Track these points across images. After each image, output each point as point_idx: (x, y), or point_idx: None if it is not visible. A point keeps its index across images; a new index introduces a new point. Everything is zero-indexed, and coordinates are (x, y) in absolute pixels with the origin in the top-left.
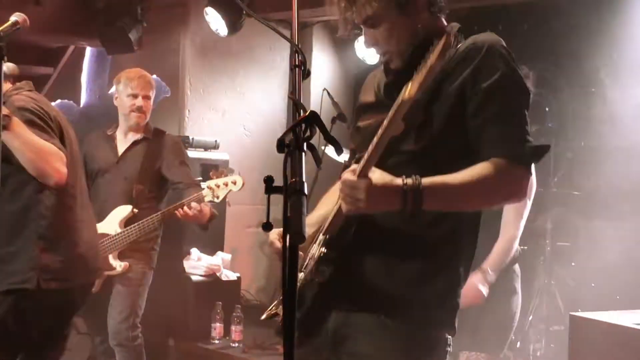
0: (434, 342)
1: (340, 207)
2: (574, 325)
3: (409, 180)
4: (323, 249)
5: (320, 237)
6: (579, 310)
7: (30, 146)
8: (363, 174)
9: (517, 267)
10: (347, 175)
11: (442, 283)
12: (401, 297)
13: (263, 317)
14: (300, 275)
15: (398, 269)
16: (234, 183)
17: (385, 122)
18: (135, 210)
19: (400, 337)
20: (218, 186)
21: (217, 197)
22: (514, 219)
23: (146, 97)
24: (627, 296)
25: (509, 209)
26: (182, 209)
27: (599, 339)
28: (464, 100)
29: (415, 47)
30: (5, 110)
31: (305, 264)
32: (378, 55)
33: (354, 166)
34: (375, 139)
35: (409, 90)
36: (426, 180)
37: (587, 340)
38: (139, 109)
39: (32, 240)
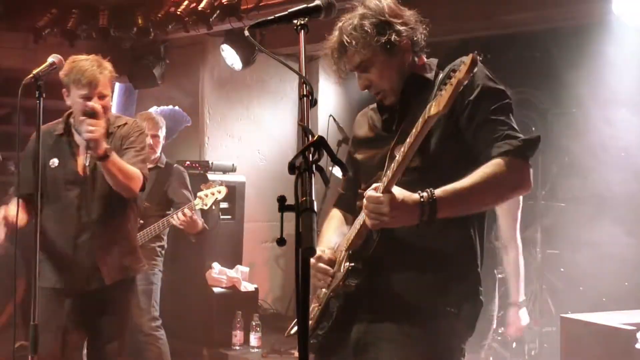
0: (453, 351)
1: (361, 224)
2: (564, 326)
3: (425, 194)
4: (348, 264)
5: (343, 253)
6: (569, 312)
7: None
8: (387, 189)
9: (495, 272)
10: (371, 192)
11: (465, 287)
12: (424, 305)
13: (287, 334)
14: (325, 291)
15: (419, 279)
16: (220, 192)
17: (410, 140)
18: (142, 221)
19: (422, 344)
20: (206, 195)
21: (206, 205)
22: (511, 238)
23: (155, 136)
24: (612, 298)
25: (503, 228)
26: (177, 215)
27: (588, 338)
28: (454, 116)
29: (406, 84)
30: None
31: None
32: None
33: (375, 185)
34: (399, 157)
35: (438, 104)
36: (439, 191)
37: (577, 339)
38: (149, 146)
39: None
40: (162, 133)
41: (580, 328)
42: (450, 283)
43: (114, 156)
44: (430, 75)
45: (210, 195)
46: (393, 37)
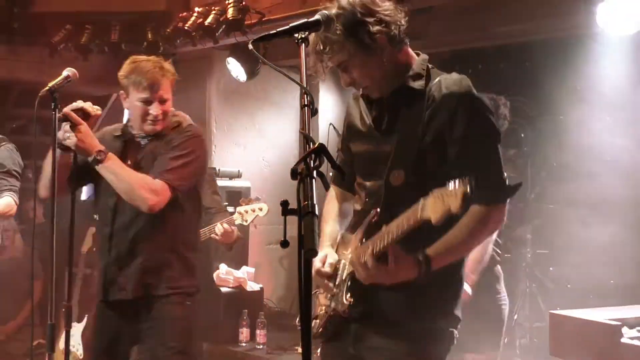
0: (441, 334)
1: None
2: (553, 321)
3: (420, 257)
4: (349, 297)
5: (345, 275)
6: (558, 308)
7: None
8: (381, 256)
9: (497, 268)
10: (369, 261)
11: (452, 287)
12: (415, 306)
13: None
14: (327, 302)
15: (410, 300)
16: (261, 209)
17: (399, 230)
18: None
19: (413, 330)
20: (247, 212)
21: (246, 221)
22: None
23: None
24: (598, 296)
25: None
26: (216, 228)
27: (576, 333)
28: (443, 144)
29: (396, 95)
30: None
31: (334, 291)
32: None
33: (368, 248)
34: (391, 236)
35: (435, 213)
36: (432, 251)
37: (565, 334)
38: None
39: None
40: None
41: (568, 323)
42: (436, 285)
43: (109, 162)
44: (420, 83)
45: (250, 212)
46: (365, 39)
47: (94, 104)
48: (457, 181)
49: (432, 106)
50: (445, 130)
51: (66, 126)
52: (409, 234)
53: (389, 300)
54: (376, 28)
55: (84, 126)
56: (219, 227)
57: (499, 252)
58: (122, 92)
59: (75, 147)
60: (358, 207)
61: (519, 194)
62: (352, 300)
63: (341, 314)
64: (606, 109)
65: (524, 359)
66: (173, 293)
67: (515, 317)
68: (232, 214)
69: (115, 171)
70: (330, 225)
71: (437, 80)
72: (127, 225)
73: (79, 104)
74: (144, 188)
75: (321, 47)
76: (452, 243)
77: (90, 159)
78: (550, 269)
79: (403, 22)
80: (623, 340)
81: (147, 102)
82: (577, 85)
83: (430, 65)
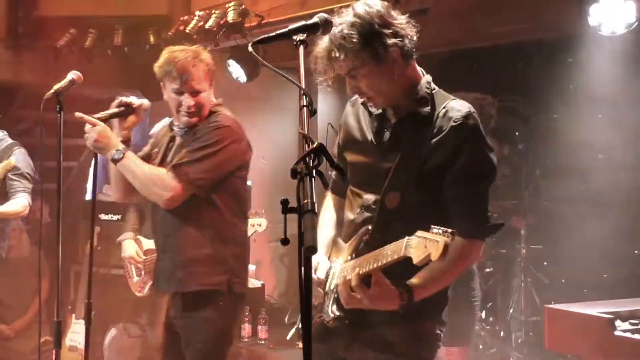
0: (429, 337)
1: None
2: (548, 315)
3: (403, 291)
4: (335, 309)
5: (334, 284)
6: (552, 303)
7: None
8: (364, 278)
9: (474, 266)
10: (354, 280)
11: (439, 295)
12: (410, 316)
13: (288, 337)
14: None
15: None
16: (260, 225)
17: (388, 258)
18: None
19: (404, 330)
20: (250, 225)
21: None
22: None
23: None
24: (592, 290)
25: None
26: None
27: (570, 326)
28: (442, 173)
29: (404, 120)
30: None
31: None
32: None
33: (355, 269)
34: (376, 264)
35: (418, 257)
36: (414, 283)
37: (560, 328)
38: None
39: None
40: None
41: (563, 317)
42: (425, 307)
43: (125, 161)
44: (426, 109)
45: (250, 227)
46: (380, 50)
47: (97, 105)
48: (441, 229)
49: (438, 136)
50: (447, 161)
51: (86, 126)
52: (393, 266)
53: (374, 313)
54: (391, 41)
55: (101, 126)
56: None
57: None
58: (161, 83)
59: (92, 147)
60: (351, 216)
61: (514, 191)
62: (337, 313)
63: (326, 323)
64: (598, 108)
65: (520, 353)
66: (203, 290)
67: (511, 311)
68: None
69: (131, 169)
70: (325, 231)
71: (443, 108)
72: (161, 220)
73: (124, 99)
74: (157, 184)
75: (336, 54)
76: (434, 276)
77: (109, 157)
78: (545, 263)
79: (415, 37)
80: (616, 332)
81: (179, 93)
82: (570, 84)
83: (434, 87)
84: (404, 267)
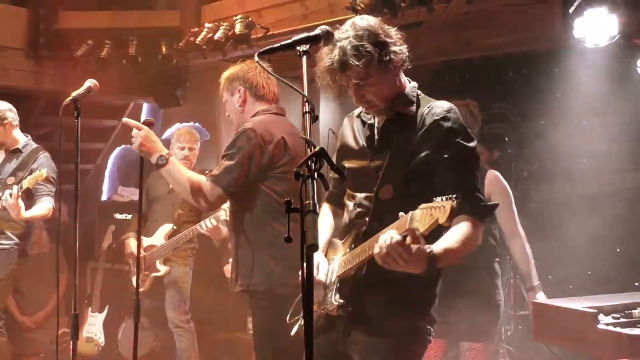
0: (419, 332)
1: (362, 260)
2: (536, 310)
3: (430, 251)
4: (338, 297)
5: (335, 278)
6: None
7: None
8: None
9: (496, 265)
10: (393, 236)
11: (429, 290)
12: (396, 307)
13: (292, 333)
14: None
15: (391, 300)
16: None
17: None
18: (175, 228)
19: (394, 328)
20: None
21: None
22: (513, 230)
23: (191, 149)
24: (577, 286)
25: (503, 223)
26: (205, 224)
27: (556, 320)
28: (431, 165)
29: (391, 120)
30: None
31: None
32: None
33: (392, 232)
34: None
35: (416, 224)
36: (439, 250)
37: (546, 321)
38: (185, 157)
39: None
40: (198, 146)
41: (549, 311)
42: (416, 303)
43: (169, 167)
44: (412, 109)
45: None
46: (390, 56)
47: (113, 111)
48: (443, 197)
49: (423, 129)
50: (434, 152)
51: (133, 131)
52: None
53: (373, 301)
54: (397, 48)
55: (145, 130)
56: (206, 223)
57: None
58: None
59: (137, 151)
60: (346, 216)
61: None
62: (340, 300)
63: (330, 312)
64: (583, 115)
65: (510, 345)
66: (244, 290)
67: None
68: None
69: (173, 175)
70: (322, 233)
71: (427, 106)
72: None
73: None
74: (194, 192)
75: (354, 62)
76: (452, 247)
77: (152, 161)
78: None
79: (405, 47)
80: (599, 326)
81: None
82: (556, 93)
83: (419, 92)
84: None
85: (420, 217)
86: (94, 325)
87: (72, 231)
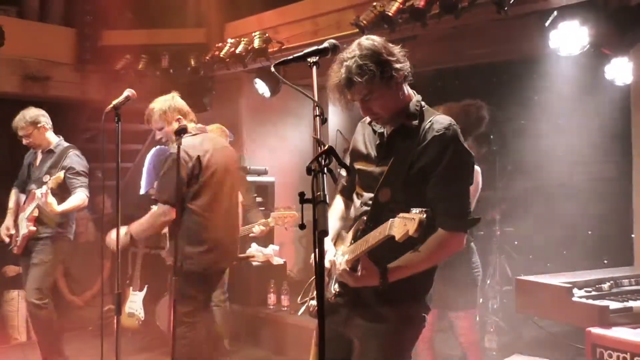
0: (414, 318)
1: (363, 250)
2: (519, 285)
3: (381, 270)
4: (337, 286)
5: (337, 265)
6: (522, 275)
7: None
8: (353, 266)
9: (472, 245)
10: (340, 263)
11: (423, 281)
12: (392, 296)
13: (299, 313)
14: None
15: (389, 288)
16: (292, 217)
17: (376, 239)
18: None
19: (392, 314)
20: (284, 217)
21: (286, 228)
22: None
23: None
24: (555, 264)
25: None
26: (254, 229)
27: (536, 294)
28: (426, 175)
29: (396, 131)
30: None
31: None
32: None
33: (345, 259)
34: (367, 244)
35: (398, 234)
36: (391, 265)
37: (528, 295)
38: None
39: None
40: (228, 141)
41: (530, 286)
42: (410, 292)
43: (133, 232)
44: (414, 122)
45: (289, 218)
46: (392, 73)
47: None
48: (418, 210)
49: (423, 144)
50: (430, 165)
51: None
52: (382, 245)
53: (371, 290)
54: (399, 66)
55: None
56: (257, 229)
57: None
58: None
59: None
60: (353, 212)
61: (490, 183)
62: (338, 290)
63: (328, 299)
64: (558, 115)
65: (496, 316)
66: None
67: (488, 282)
68: (263, 209)
69: (142, 230)
70: (333, 223)
71: (429, 121)
72: None
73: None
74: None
75: (358, 79)
76: (411, 261)
77: (128, 241)
78: (515, 243)
79: (408, 63)
80: (574, 299)
81: None
82: (535, 96)
83: (423, 104)
84: (387, 254)
85: (397, 225)
86: (134, 302)
87: (114, 221)
